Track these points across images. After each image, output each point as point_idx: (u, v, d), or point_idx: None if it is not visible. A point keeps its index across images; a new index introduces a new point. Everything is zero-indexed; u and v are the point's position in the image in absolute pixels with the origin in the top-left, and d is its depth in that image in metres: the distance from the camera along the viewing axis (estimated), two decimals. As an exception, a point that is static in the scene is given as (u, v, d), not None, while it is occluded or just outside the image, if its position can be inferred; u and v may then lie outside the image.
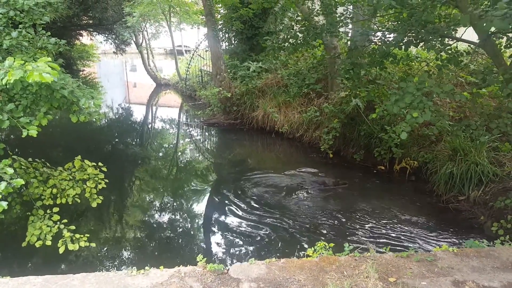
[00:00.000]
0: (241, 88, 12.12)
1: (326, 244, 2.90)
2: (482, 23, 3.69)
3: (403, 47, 4.69)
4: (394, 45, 4.64)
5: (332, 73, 9.63)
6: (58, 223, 4.57)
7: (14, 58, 3.45)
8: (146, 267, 2.41)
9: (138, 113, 17.19)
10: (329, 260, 2.51)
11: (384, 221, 6.16)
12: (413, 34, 4.64)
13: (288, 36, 5.85)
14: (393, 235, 5.72)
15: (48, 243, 4.39)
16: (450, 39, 4.67)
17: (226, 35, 14.96)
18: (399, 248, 5.35)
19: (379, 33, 5.64)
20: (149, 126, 15.23)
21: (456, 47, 4.78)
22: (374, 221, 6.13)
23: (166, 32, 20.98)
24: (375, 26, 5.41)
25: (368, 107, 8.64)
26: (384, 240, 5.54)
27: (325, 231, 5.99)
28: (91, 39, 18.65)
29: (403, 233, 5.76)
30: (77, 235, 4.61)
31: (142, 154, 10.58)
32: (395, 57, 5.02)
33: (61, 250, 4.41)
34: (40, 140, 4.12)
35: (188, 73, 17.46)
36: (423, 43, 4.56)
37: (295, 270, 2.41)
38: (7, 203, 3.42)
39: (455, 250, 2.74)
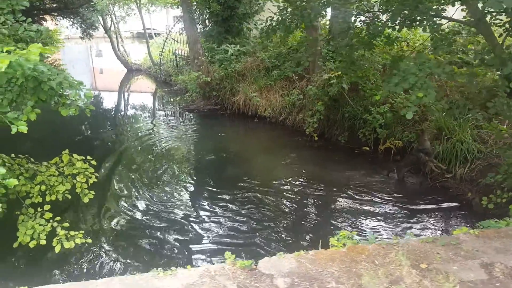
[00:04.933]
0: (220, 72, 11.85)
1: (349, 232, 2.93)
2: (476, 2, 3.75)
3: (396, 27, 4.71)
4: (388, 25, 4.65)
5: (314, 55, 9.58)
6: (51, 221, 4.35)
7: (-1, 48, 3.15)
8: (173, 267, 2.33)
9: (109, 101, 16.46)
10: (358, 249, 2.52)
11: (373, 202, 6.34)
12: (407, 14, 4.64)
13: (282, 18, 5.71)
14: (385, 215, 5.90)
15: (43, 242, 4.17)
16: (442, 19, 4.73)
17: (201, 17, 14.49)
18: (393, 228, 5.55)
19: (367, 14, 5.63)
20: (123, 114, 14.65)
21: (447, 27, 4.87)
22: (362, 203, 6.29)
23: (135, 14, 20.06)
24: (364, 7, 5.37)
25: (351, 88, 8.71)
26: (377, 222, 5.70)
27: (318, 217, 6.08)
28: (55, 24, 17.45)
29: (395, 213, 5.95)
30: (72, 232, 4.42)
31: (117, 144, 10.05)
32: (388, 38, 5.04)
33: (57, 249, 4.22)
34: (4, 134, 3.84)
35: (161, 57, 16.85)
36: (417, 23, 4.59)
37: (326, 262, 2.40)
38: (1, 205, 3.19)
39: (476, 232, 2.85)
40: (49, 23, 16.69)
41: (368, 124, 8.30)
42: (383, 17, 5.09)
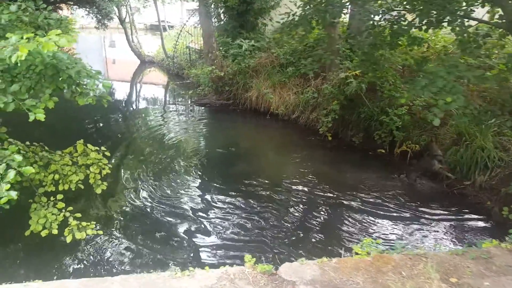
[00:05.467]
0: (233, 67, 11.73)
1: (373, 240, 2.81)
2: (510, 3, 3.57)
3: (423, 28, 4.54)
4: (415, 25, 4.49)
5: (331, 53, 9.40)
6: (64, 210, 4.31)
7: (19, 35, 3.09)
8: (190, 268, 2.25)
9: (121, 92, 16.45)
10: (383, 259, 2.42)
11: (386, 207, 6.18)
12: (435, 14, 4.47)
13: (305, 13, 5.56)
14: (399, 221, 5.74)
15: (55, 231, 4.14)
16: (471, 20, 4.55)
17: (216, 11, 14.35)
18: (409, 237, 5.37)
19: (393, 13, 5.45)
20: (134, 105, 14.64)
21: (477, 29, 4.69)
22: (377, 208, 6.13)
23: (150, 6, 20.01)
24: (388, 5, 5.19)
25: (368, 88, 8.53)
26: (392, 229, 5.55)
27: (327, 219, 5.96)
28: (71, 13, 17.47)
29: (408, 219, 5.79)
30: (84, 223, 4.37)
31: (127, 135, 10.05)
32: (415, 38, 4.88)
33: (68, 239, 4.19)
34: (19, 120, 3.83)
35: (175, 50, 16.79)
36: (445, 23, 4.42)
37: (350, 271, 2.30)
38: (17, 193, 3.14)
39: (508, 246, 2.72)
40: (64, 12, 16.76)
41: (385, 126, 8.11)
42: (408, 17, 4.92)
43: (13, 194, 3.11)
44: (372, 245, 2.66)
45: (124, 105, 14.42)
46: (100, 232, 4.58)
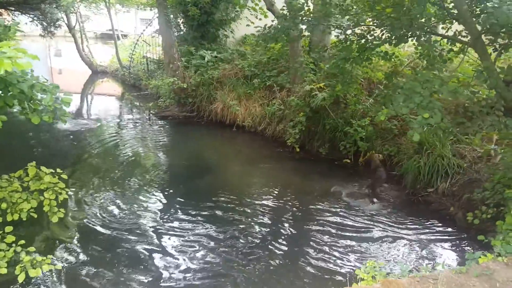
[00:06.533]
0: (196, 78, 11.42)
1: (376, 262, 2.67)
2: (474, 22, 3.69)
3: (393, 42, 4.62)
4: (386, 41, 4.55)
5: (295, 65, 9.45)
6: (14, 245, 3.75)
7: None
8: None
9: (72, 104, 15.29)
10: (392, 284, 2.28)
11: (356, 215, 6.21)
12: (404, 31, 4.57)
13: (282, 26, 5.46)
14: (371, 232, 5.74)
15: (3, 271, 3.57)
16: (438, 37, 4.71)
17: (174, 21, 13.96)
18: (380, 248, 5.36)
19: (358, 28, 5.53)
20: (86, 118, 13.57)
21: (440, 44, 4.86)
22: (347, 219, 6.12)
23: (102, 14, 19.10)
24: (357, 20, 5.25)
25: (333, 101, 8.63)
26: (363, 240, 5.53)
27: (298, 234, 5.80)
28: (12, 19, 16.11)
29: (380, 230, 5.80)
30: (38, 258, 3.83)
31: (79, 152, 9.08)
32: (386, 53, 4.96)
33: (20, 278, 3.61)
34: None
35: (132, 60, 16.09)
36: (414, 39, 4.52)
37: (361, 301, 2.13)
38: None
39: (504, 260, 2.70)
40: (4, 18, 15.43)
41: (349, 137, 8.27)
42: (378, 32, 5.00)
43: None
44: (375, 268, 2.52)
45: (74, 118, 13.34)
46: (59, 266, 4.05)
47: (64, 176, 4.43)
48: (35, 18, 14.66)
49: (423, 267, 2.73)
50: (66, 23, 17.02)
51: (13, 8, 14.33)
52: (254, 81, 10.66)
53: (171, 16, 13.47)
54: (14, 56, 2.54)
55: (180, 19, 13.88)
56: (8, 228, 3.78)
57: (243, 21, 13.09)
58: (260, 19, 12.56)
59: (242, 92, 10.70)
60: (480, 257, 2.71)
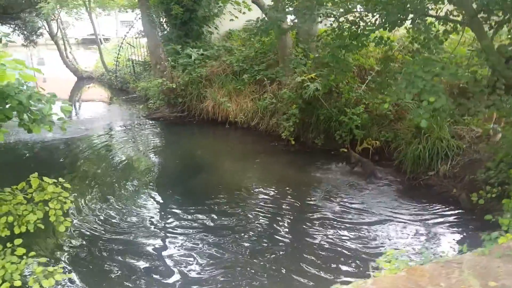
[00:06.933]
0: (184, 77, 11.34)
1: (396, 251, 2.71)
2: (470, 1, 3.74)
3: (388, 27, 4.65)
4: (380, 26, 4.59)
5: (283, 57, 9.47)
6: (25, 257, 3.72)
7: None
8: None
9: (58, 112, 14.99)
10: (417, 272, 2.31)
11: (357, 203, 6.27)
12: (399, 15, 4.60)
13: (274, 18, 5.44)
14: (373, 217, 5.80)
15: (18, 283, 3.54)
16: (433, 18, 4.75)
17: (157, 20, 13.79)
18: (380, 231, 5.41)
19: (350, 15, 5.55)
20: (75, 125, 13.32)
21: (435, 25, 4.90)
22: (345, 206, 6.19)
23: (82, 19, 18.76)
24: (347, 7, 5.27)
25: (328, 91, 8.64)
26: (372, 228, 5.58)
27: (300, 226, 5.81)
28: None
29: (379, 214, 5.88)
30: (50, 269, 3.82)
31: (71, 159, 8.95)
32: (381, 39, 5.00)
33: (35, 290, 3.60)
34: None
35: (117, 63, 15.88)
36: (408, 22, 4.56)
37: (392, 291, 2.16)
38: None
39: None
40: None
41: (344, 126, 8.31)
42: (370, 17, 5.03)
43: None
44: (396, 256, 2.56)
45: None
46: (70, 275, 4.03)
47: (67, 185, 4.40)
48: (16, 28, 14.33)
49: (444, 251, 2.78)
50: (47, 31, 16.68)
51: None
52: (243, 76, 10.63)
53: (154, 16, 13.32)
54: (15, 68, 2.51)
55: (163, 18, 13.72)
56: (17, 241, 3.76)
57: (226, 16, 13.04)
58: (244, 13, 12.57)
59: (232, 88, 10.68)
60: (497, 237, 2.78)
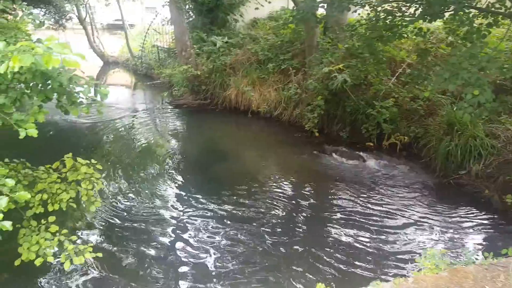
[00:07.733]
0: (208, 65, 11.33)
1: (436, 251, 2.65)
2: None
3: (427, 19, 4.47)
4: (420, 17, 4.42)
5: (310, 47, 9.30)
6: (58, 234, 3.83)
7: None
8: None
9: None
10: (460, 273, 2.25)
11: (383, 200, 6.14)
12: (439, 5, 4.41)
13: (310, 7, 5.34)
14: (400, 216, 5.67)
15: (50, 259, 3.67)
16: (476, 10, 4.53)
17: (185, 7, 13.79)
18: (409, 230, 5.28)
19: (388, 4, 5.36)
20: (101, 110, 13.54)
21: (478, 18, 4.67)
22: (371, 202, 6.06)
23: (109, 5, 18.98)
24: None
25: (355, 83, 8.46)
26: (388, 221, 5.48)
27: (327, 220, 5.71)
28: (22, 11, 16.10)
29: (407, 212, 5.74)
30: (81, 247, 3.92)
31: (95, 142, 9.13)
32: (420, 30, 4.82)
33: (66, 266, 3.72)
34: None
35: (143, 49, 16.03)
36: (450, 14, 4.37)
37: (433, 290, 2.11)
38: (11, 223, 2.69)
39: None
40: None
41: (372, 119, 8.11)
42: (410, 7, 4.85)
43: (7, 225, 2.66)
44: (437, 256, 2.49)
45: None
46: (100, 254, 4.12)
47: (99, 167, 4.49)
48: (46, 11, 14.63)
49: (486, 254, 2.67)
50: (76, 15, 16.97)
51: (25, 3, 14.26)
52: (268, 65, 10.52)
53: (181, 2, 13.30)
54: (61, 52, 2.53)
55: (189, 6, 13.70)
56: (51, 218, 3.87)
57: (252, 4, 12.90)
58: (269, 2, 12.40)
59: (256, 77, 10.60)
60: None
